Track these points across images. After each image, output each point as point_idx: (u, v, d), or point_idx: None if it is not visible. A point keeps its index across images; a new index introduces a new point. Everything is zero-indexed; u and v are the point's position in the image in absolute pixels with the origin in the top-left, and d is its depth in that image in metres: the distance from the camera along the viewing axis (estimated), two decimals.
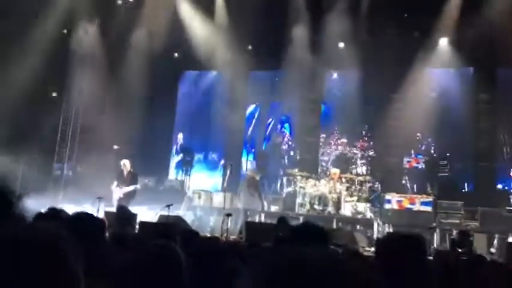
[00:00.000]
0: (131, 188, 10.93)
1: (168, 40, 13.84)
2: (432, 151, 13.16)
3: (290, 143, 14.39)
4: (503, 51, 11.74)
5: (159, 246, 1.81)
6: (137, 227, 8.82)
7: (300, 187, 11.18)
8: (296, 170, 11.92)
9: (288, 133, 14.50)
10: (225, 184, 10.71)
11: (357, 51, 12.88)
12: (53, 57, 12.94)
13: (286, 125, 14.52)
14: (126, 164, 11.19)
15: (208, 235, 9.57)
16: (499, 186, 12.15)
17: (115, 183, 11.03)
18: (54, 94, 14.44)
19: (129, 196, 10.97)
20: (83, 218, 2.88)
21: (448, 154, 12.81)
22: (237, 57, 13.74)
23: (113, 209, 10.37)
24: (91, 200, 10.57)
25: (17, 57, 12.17)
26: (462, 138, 12.69)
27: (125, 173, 11.12)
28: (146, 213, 11.05)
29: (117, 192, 10.93)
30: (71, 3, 13.15)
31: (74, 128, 14.21)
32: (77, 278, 1.01)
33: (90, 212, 9.21)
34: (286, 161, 13.97)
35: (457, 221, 10.02)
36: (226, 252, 3.30)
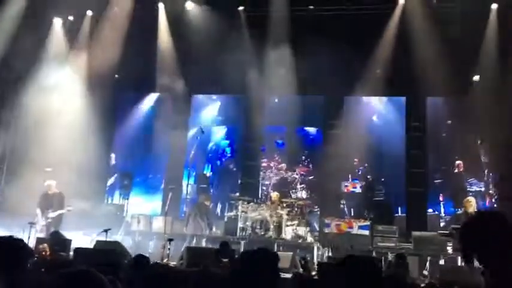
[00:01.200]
0: (58, 212, 10.43)
1: (110, 61, 13.57)
2: (368, 176, 13.65)
3: (233, 167, 14.43)
4: (433, 81, 12.51)
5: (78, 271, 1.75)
6: (71, 253, 8.44)
7: (242, 211, 11.19)
8: (238, 195, 11.92)
9: (231, 157, 14.54)
10: (167, 208, 10.48)
11: (298, 78, 13.28)
12: None
13: (228, 149, 14.56)
14: (51, 185, 10.69)
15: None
16: (430, 210, 12.77)
17: (38, 208, 10.48)
18: None
19: (57, 220, 10.48)
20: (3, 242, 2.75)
21: (382, 179, 13.35)
22: (179, 79, 13.72)
23: (44, 235, 9.89)
24: (21, 225, 9.99)
25: None
26: (396, 163, 13.27)
27: (50, 194, 10.60)
28: (82, 238, 10.59)
29: (42, 218, 10.38)
30: None
31: (3, 149, 13.44)
32: None
33: (19, 237, 8.73)
34: (228, 185, 13.94)
35: (393, 244, 10.40)
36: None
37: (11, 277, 2.51)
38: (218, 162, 14.60)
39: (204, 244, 10.98)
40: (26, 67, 13.21)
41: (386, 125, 13.58)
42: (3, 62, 12.92)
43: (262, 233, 10.79)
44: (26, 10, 13.10)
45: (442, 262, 9.57)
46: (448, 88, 12.64)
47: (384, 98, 13.94)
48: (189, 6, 13.65)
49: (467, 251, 2.13)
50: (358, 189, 13.55)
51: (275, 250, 10.33)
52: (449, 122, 13.39)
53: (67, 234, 9.78)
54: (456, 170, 13.03)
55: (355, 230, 10.70)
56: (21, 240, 2.84)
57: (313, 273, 8.88)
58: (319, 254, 10.50)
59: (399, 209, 13.10)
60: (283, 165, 13.96)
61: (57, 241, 8.85)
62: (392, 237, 10.52)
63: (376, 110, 13.84)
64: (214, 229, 11.61)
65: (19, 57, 12.83)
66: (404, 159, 13.16)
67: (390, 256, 9.85)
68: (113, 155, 14.84)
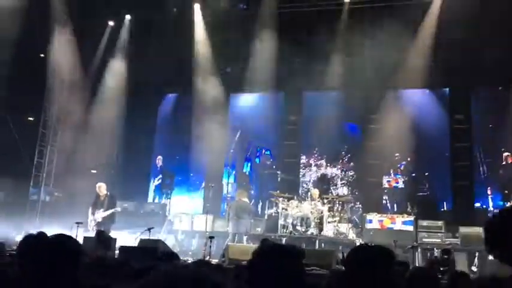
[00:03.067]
0: (109, 212, 10.70)
1: (149, 63, 13.86)
2: (411, 171, 13.32)
3: (271, 164, 14.41)
4: (477, 72, 12.09)
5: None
6: (117, 252, 8.65)
7: (282, 209, 11.14)
8: (278, 192, 11.89)
9: (269, 155, 14.53)
10: (207, 206, 10.59)
11: (337, 71, 13.13)
12: (30, 80, 12.77)
13: (268, 147, 14.56)
14: (101, 187, 10.97)
15: (190, 259, 9.43)
16: (477, 204, 12.33)
17: (90, 209, 10.79)
18: (30, 118, 14.20)
19: (109, 220, 10.75)
20: (60, 240, 2.70)
21: (426, 173, 12.99)
22: (216, 79, 13.85)
23: (91, 234, 10.17)
24: (69, 226, 10.33)
25: None
26: (440, 157, 12.89)
27: (101, 196, 10.89)
28: (126, 237, 10.85)
29: (92, 218, 10.68)
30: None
31: (51, 152, 13.95)
32: None
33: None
34: (267, 182, 13.93)
35: (438, 240, 10.10)
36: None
37: (63, 278, 2.42)
38: (257, 160, 14.61)
39: (245, 242, 11.01)
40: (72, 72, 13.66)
41: (429, 118, 13.18)
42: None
43: (304, 230, 10.71)
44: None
45: (491, 257, 9.19)
46: (493, 78, 12.22)
47: (426, 90, 13.54)
48: (224, 5, 13.69)
49: (491, 246, 2.07)
50: (401, 184, 13.25)
51: (316, 247, 10.26)
52: (496, 113, 12.89)
53: (112, 233, 10.05)
54: (504, 162, 12.51)
55: (399, 226, 10.46)
56: (72, 238, 2.82)
57: None
58: None
59: (444, 203, 12.71)
60: (323, 161, 13.81)
61: (103, 240, 9.08)
62: (438, 232, 10.22)
63: (418, 102, 13.45)
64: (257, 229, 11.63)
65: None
66: (449, 153, 12.76)
67: (436, 252, 9.59)
68: (159, 157, 15.11)
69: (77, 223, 10.00)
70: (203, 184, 14.36)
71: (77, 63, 13.71)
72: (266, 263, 2.07)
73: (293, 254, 2.12)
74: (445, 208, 12.58)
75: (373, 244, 2.64)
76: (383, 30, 12.25)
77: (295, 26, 13.21)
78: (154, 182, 14.95)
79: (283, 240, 10.56)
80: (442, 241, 10.08)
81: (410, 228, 10.36)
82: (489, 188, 12.54)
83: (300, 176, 13.95)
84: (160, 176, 14.89)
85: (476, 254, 9.51)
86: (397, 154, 13.36)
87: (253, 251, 2.19)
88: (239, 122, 14.42)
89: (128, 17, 14.37)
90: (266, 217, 12.09)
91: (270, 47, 13.24)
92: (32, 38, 12.16)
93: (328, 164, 13.81)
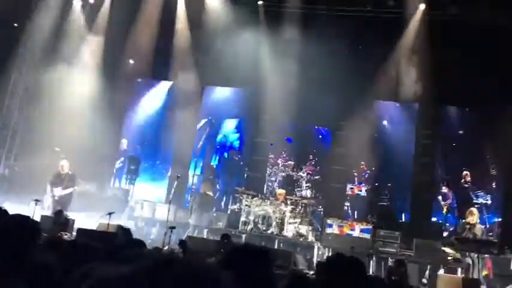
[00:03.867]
0: (68, 190, 10.50)
1: (125, 46, 13.66)
2: (374, 180, 13.60)
3: (239, 160, 14.44)
4: (448, 92, 12.44)
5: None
6: (74, 233, 8.52)
7: (246, 205, 11.20)
8: (243, 188, 11.93)
9: (238, 150, 14.56)
10: (171, 196, 10.52)
11: (311, 75, 13.23)
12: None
13: (237, 142, 14.57)
14: (64, 165, 10.76)
15: (149, 248, 9.37)
16: (434, 219, 12.70)
17: (49, 186, 10.56)
18: None
19: (66, 199, 10.55)
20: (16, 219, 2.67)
21: (389, 184, 13.30)
22: (192, 70, 13.77)
23: (48, 213, 9.98)
24: (26, 202, 10.10)
25: None
26: (403, 170, 13.21)
27: (62, 174, 10.68)
28: (84, 220, 10.68)
29: (50, 194, 10.47)
30: None
31: (14, 127, 13.57)
32: None
33: (26, 213, 8.82)
34: (233, 178, 13.96)
35: (394, 250, 10.36)
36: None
37: (21, 259, 2.40)
38: (226, 154, 14.61)
39: (205, 235, 11.02)
40: (42, 45, 13.29)
41: (397, 131, 13.50)
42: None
43: (264, 229, 10.80)
44: None
45: (441, 272, 9.52)
46: (463, 99, 12.59)
47: (397, 104, 13.85)
48: None
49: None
50: (364, 193, 13.52)
51: (275, 247, 10.37)
52: (461, 132, 13.30)
53: (71, 214, 9.88)
54: (463, 181, 12.93)
55: (357, 233, 10.67)
56: (29, 218, 2.79)
57: (311, 272, 8.90)
58: (319, 253, 10.50)
59: (403, 215, 13.05)
60: (291, 162, 13.93)
61: (61, 220, 8.94)
62: (394, 242, 10.48)
63: (389, 114, 13.74)
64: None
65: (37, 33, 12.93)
66: (412, 166, 13.09)
67: (390, 261, 9.83)
68: (124, 140, 14.90)
69: (35, 200, 9.78)
70: (169, 173, 14.26)
71: (51, 36, 13.35)
72: (238, 263, 2.08)
73: (265, 256, 2.14)
74: (404, 219, 12.91)
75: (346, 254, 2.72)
76: (363, 39, 12.48)
77: (274, 23, 13.25)
78: (115, 166, 14.74)
79: (243, 237, 10.64)
80: (397, 251, 10.34)
81: (368, 236, 10.59)
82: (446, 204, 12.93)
83: (266, 174, 14.03)
84: (122, 159, 14.68)
85: (428, 267, 9.80)
86: (362, 162, 13.62)
87: (226, 251, 2.21)
88: (211, 114, 14.38)
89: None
90: (229, 212, 12.13)
91: (245, 41, 13.24)
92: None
93: (295, 166, 13.93)
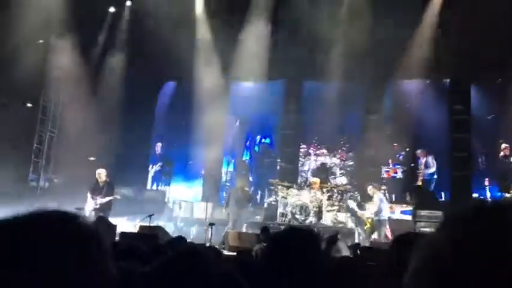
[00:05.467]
0: (107, 199, 10.69)
1: (148, 50, 13.80)
2: (409, 161, 13.37)
3: (271, 152, 14.43)
4: (477, 64, 12.11)
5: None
6: (117, 238, 8.68)
7: (282, 197, 11.19)
8: (277, 180, 11.92)
9: (268, 144, 14.54)
10: (207, 194, 10.61)
11: (337, 63, 13.13)
12: (29, 67, 12.68)
13: (268, 135, 14.55)
14: (101, 174, 10.95)
15: None
16: (475, 195, 12.40)
17: (89, 194, 10.78)
18: (29, 104, 14.12)
19: (107, 207, 10.74)
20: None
21: (425, 163, 13.03)
22: (217, 67, 13.80)
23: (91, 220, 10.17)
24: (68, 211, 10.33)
25: None
26: (438, 148, 12.94)
27: (101, 183, 10.88)
28: (126, 224, 10.89)
29: (92, 203, 10.68)
30: (48, 14, 12.87)
31: (50, 139, 13.91)
32: None
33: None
34: (266, 171, 13.95)
35: None
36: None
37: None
38: (257, 148, 14.62)
39: (244, 229, 11.07)
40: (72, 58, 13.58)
41: (429, 109, 13.20)
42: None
43: (302, 219, 10.78)
44: None
45: None
46: (493, 71, 12.24)
47: (427, 81, 13.55)
48: None
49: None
50: (400, 175, 13.30)
51: None
52: (495, 104, 12.92)
53: (112, 220, 10.07)
54: (502, 154, 12.56)
55: (397, 215, 10.53)
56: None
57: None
58: (361, 239, 10.40)
59: (443, 194, 12.78)
60: (323, 151, 13.84)
61: (103, 226, 9.11)
62: (436, 222, 10.27)
63: (418, 93, 13.46)
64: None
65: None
66: (448, 143, 12.81)
67: None
68: (159, 144, 15.08)
69: (77, 208, 10.00)
70: (202, 172, 14.37)
71: (77, 48, 13.60)
72: (285, 247, 2.05)
73: (312, 237, 2.11)
74: (444, 198, 12.65)
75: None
76: (384, 21, 12.24)
77: (295, 15, 13.14)
78: (153, 169, 14.94)
79: (281, 228, 10.63)
80: None
81: (409, 217, 10.42)
82: (487, 179, 12.60)
83: (299, 165, 13.97)
84: (160, 163, 14.88)
85: None
86: (395, 144, 13.40)
87: (271, 236, 2.19)
88: (239, 110, 14.41)
89: (128, 3, 14.27)
90: (265, 205, 12.15)
91: (270, 35, 13.22)
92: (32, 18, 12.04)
93: (328, 154, 13.82)
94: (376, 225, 9.92)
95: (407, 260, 0.72)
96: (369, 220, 10.14)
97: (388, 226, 10.17)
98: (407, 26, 12.32)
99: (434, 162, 12.71)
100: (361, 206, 11.06)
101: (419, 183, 12.30)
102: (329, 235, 6.42)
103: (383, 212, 9.91)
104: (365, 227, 10.32)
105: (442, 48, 12.32)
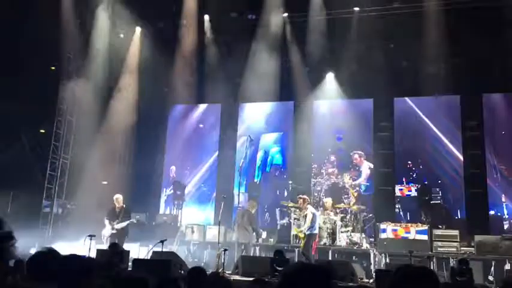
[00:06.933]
0: (125, 223, 10.70)
1: (157, 75, 13.95)
2: (423, 179, 13.20)
3: (282, 173, 14.35)
4: (488, 78, 12.02)
5: None
6: (130, 264, 8.65)
7: (295, 218, 11.08)
8: (289, 202, 11.83)
9: (280, 164, 14.48)
10: (219, 217, 10.53)
11: (345, 82, 13.20)
12: (41, 94, 12.86)
13: (279, 156, 14.49)
14: (118, 199, 10.99)
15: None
16: (492, 212, 12.18)
17: (106, 220, 10.80)
18: (42, 130, 14.29)
19: (123, 232, 10.74)
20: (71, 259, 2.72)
21: (439, 181, 12.86)
22: (226, 90, 13.88)
23: (104, 247, 10.17)
24: (81, 238, 10.35)
25: (5, 92, 12.04)
26: (453, 165, 12.78)
27: (117, 208, 10.91)
28: (138, 249, 10.85)
29: (109, 228, 10.69)
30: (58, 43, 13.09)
31: (63, 165, 14.01)
32: None
33: (81, 250, 9.03)
34: (278, 192, 13.86)
35: (454, 249, 9.98)
36: None
37: None
38: (268, 169, 14.56)
39: (257, 252, 10.96)
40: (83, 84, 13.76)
41: (441, 125, 13.09)
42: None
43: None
44: None
45: (507, 267, 9.08)
46: (505, 84, 12.14)
47: (438, 97, 13.44)
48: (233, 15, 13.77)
49: None
50: (414, 193, 13.12)
51: (329, 258, 10.18)
52: (508, 118, 12.76)
53: (125, 246, 10.05)
54: None
55: (413, 235, 10.35)
56: (80, 258, 2.83)
57: (371, 280, 8.67)
58: (376, 260, 10.23)
59: (458, 211, 12.57)
60: (334, 169, 13.73)
61: (116, 252, 9.08)
62: (454, 241, 10.10)
63: (430, 109, 13.35)
64: (264, 236, 11.53)
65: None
66: (461, 160, 12.66)
67: (452, 262, 9.47)
68: (173, 167, 15.10)
69: (90, 236, 10.00)
70: (214, 194, 14.33)
71: (88, 73, 13.78)
72: (296, 284, 2.01)
73: (325, 276, 2.06)
74: (459, 216, 12.44)
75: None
76: (394, 37, 12.27)
77: (303, 35, 13.25)
78: (166, 193, 14.94)
79: (296, 251, 10.51)
80: (458, 250, 9.96)
81: (425, 237, 10.24)
82: (503, 195, 12.39)
83: (311, 185, 13.87)
84: (172, 186, 14.88)
85: (493, 263, 9.38)
86: (409, 162, 13.26)
87: (282, 272, 2.14)
88: (249, 131, 14.41)
89: (138, 29, 14.47)
90: (278, 227, 12.03)
91: (277, 56, 13.33)
92: (43, 47, 12.27)
93: (339, 173, 13.72)
94: (307, 238, 9.75)
95: None
96: (301, 235, 10.01)
97: (317, 239, 10.05)
98: (416, 43, 12.31)
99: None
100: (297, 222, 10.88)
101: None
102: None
103: (315, 226, 9.78)
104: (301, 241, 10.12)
105: (452, 63, 12.30)
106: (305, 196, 10.43)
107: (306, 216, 9.90)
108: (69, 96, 13.88)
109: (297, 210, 11.28)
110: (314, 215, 9.78)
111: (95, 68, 13.73)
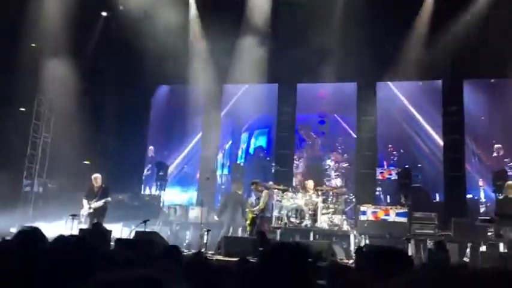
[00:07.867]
0: (101, 202, 10.64)
1: (140, 53, 13.75)
2: (404, 162, 13.42)
3: (265, 155, 14.44)
4: (470, 64, 12.17)
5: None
6: (112, 243, 8.66)
7: (277, 200, 11.19)
8: (272, 183, 11.92)
9: (264, 146, 14.55)
10: (202, 198, 10.59)
11: (328, 64, 13.19)
12: (22, 72, 12.62)
13: (263, 138, 14.55)
14: (97, 179, 10.91)
15: (186, 250, 9.47)
16: (469, 195, 12.47)
17: (84, 199, 10.74)
18: (22, 109, 14.05)
19: (100, 211, 10.70)
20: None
21: (419, 165, 13.10)
22: (211, 70, 13.78)
23: (87, 226, 10.16)
24: (63, 217, 10.31)
25: None
26: (432, 149, 13.01)
27: (96, 187, 10.84)
28: (121, 229, 10.86)
29: (87, 208, 10.64)
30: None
31: (44, 144, 13.84)
32: None
33: (63, 229, 9.00)
34: (261, 174, 13.95)
35: (431, 231, 10.21)
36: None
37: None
38: (252, 151, 14.62)
39: (240, 233, 11.07)
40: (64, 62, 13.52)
41: (421, 110, 13.28)
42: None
43: (298, 222, 10.78)
44: None
45: (483, 249, 9.35)
46: (486, 70, 12.30)
47: (419, 82, 13.60)
48: None
49: None
50: (394, 176, 13.34)
51: (311, 239, 10.35)
52: (488, 104, 13.00)
53: (107, 226, 10.04)
54: (495, 154, 12.65)
55: (392, 217, 10.54)
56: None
57: (350, 261, 8.86)
58: (356, 242, 10.43)
59: (437, 195, 12.85)
60: (320, 153, 13.86)
61: (99, 232, 9.08)
62: (431, 224, 10.32)
63: (412, 94, 13.51)
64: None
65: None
66: (441, 145, 12.87)
67: (429, 243, 9.71)
68: (151, 148, 15.04)
69: (72, 215, 9.97)
70: (197, 175, 14.35)
71: (69, 52, 13.53)
72: (275, 263, 2.08)
73: (302, 253, 2.13)
74: (438, 199, 12.71)
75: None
76: (377, 22, 12.28)
77: (292, 17, 13.16)
78: (144, 173, 14.90)
79: (278, 232, 10.65)
80: (435, 232, 10.19)
81: (404, 219, 10.45)
82: (481, 179, 12.69)
83: (294, 167, 13.98)
84: (150, 166, 14.83)
85: (468, 245, 9.64)
86: (390, 146, 13.46)
87: (262, 252, 2.20)
88: (233, 113, 14.41)
89: (121, 7, 14.21)
90: None
91: (263, 38, 13.24)
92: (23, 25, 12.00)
93: (322, 156, 13.86)
94: (256, 220, 10.15)
95: None
96: (251, 214, 10.39)
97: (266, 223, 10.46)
98: (400, 27, 12.36)
99: None
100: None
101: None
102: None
103: (269, 209, 10.22)
104: (247, 222, 10.47)
105: (435, 49, 12.39)
106: (258, 180, 10.80)
107: (259, 198, 10.28)
108: (50, 75, 13.63)
109: (279, 192, 11.37)
110: (270, 199, 10.08)
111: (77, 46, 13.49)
